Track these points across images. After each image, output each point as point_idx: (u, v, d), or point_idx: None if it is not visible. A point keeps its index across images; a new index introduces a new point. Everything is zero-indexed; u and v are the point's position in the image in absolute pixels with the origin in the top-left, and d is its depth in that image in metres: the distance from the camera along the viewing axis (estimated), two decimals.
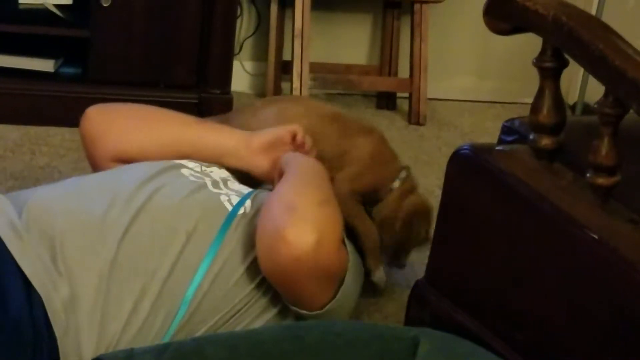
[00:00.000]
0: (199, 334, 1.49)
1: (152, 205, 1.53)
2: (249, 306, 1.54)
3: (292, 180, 1.60)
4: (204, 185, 1.63)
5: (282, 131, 1.75)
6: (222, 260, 1.52)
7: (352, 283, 1.60)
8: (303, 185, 1.58)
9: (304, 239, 1.43)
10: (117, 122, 1.81)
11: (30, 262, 1.40)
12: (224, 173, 1.74)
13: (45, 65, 2.76)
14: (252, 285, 1.54)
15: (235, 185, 1.70)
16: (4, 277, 1.37)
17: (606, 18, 3.05)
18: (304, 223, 1.45)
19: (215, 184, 1.65)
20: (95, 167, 1.82)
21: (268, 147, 1.74)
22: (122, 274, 1.44)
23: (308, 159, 1.70)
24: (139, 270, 1.46)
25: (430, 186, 2.60)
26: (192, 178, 1.65)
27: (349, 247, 1.60)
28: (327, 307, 1.53)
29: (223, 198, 1.61)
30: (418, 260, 2.13)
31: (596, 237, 1.27)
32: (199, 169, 1.71)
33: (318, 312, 1.53)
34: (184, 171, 1.67)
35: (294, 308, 1.55)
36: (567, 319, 1.33)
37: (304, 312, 1.54)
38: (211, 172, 1.71)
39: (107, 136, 1.78)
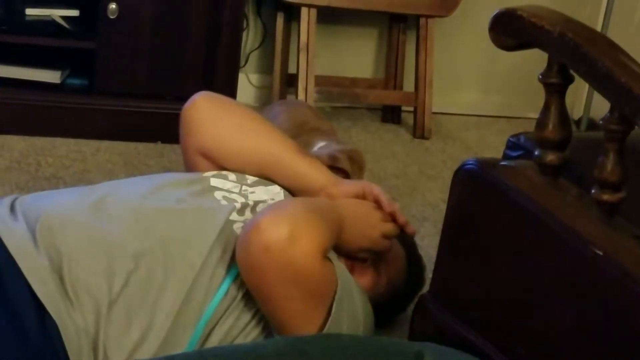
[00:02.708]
0: None
1: (168, 236, 1.48)
2: (245, 334, 1.50)
3: (296, 198, 1.59)
4: (229, 210, 1.55)
5: (368, 188, 1.69)
6: (231, 293, 1.49)
7: (347, 316, 1.48)
8: (303, 200, 1.56)
9: (277, 229, 1.38)
10: (220, 118, 1.73)
11: (43, 285, 1.37)
12: (266, 194, 1.65)
13: (52, 76, 2.77)
14: (252, 313, 1.50)
15: None
16: (19, 303, 1.35)
17: (612, 33, 3.05)
18: (281, 215, 1.42)
19: (242, 210, 1.57)
20: (186, 156, 1.78)
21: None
22: (128, 306, 1.41)
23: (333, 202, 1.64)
24: (147, 304, 1.42)
25: (435, 200, 2.60)
26: (223, 202, 1.58)
27: (343, 274, 1.52)
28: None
29: (237, 226, 1.53)
30: None
31: (601, 253, 1.27)
32: (237, 190, 1.63)
33: None
34: (217, 195, 1.60)
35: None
36: (572, 335, 1.32)
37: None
38: (252, 192, 1.64)
39: (205, 129, 1.72)
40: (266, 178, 1.68)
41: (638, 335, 1.22)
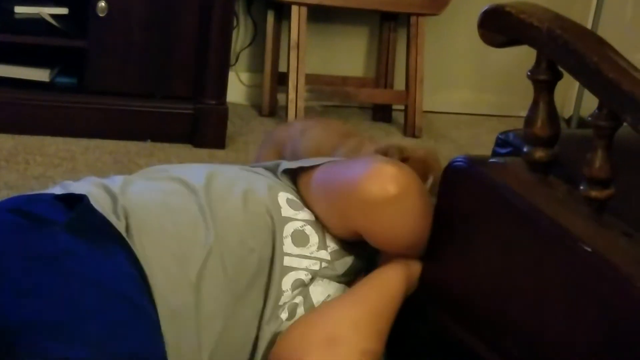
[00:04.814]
0: None
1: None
2: None
3: (362, 304, 1.45)
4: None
5: None
6: None
7: None
8: (368, 318, 1.42)
9: None
10: (423, 217, 1.48)
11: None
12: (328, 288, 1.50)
13: (41, 74, 2.76)
14: None
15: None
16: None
17: (602, 31, 3.05)
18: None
19: (293, 311, 1.46)
20: (330, 218, 1.52)
21: None
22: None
23: (393, 279, 1.50)
24: None
25: None
26: (287, 296, 1.45)
27: None
28: None
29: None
30: None
31: (590, 249, 1.26)
32: (310, 275, 1.47)
33: None
34: (286, 283, 1.45)
35: None
36: (563, 332, 1.32)
37: None
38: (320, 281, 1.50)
39: (407, 225, 1.46)
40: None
41: (628, 331, 1.22)
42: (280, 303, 1.43)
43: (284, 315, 1.43)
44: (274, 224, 1.45)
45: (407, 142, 1.85)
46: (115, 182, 1.46)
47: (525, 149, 1.41)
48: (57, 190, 1.43)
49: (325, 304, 1.46)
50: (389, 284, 1.49)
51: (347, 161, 1.59)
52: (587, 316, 1.28)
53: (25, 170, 2.47)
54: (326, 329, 1.38)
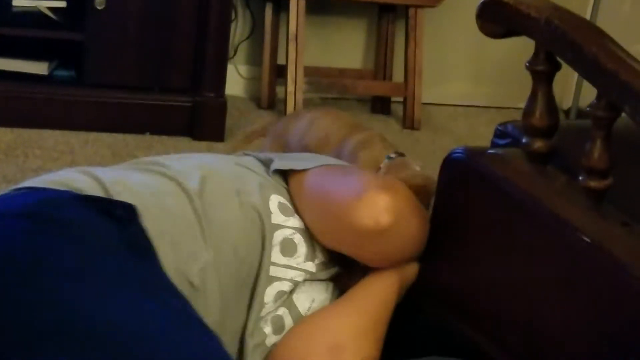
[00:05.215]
0: None
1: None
2: None
3: (362, 313, 1.43)
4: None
5: None
6: None
7: None
8: (368, 326, 1.41)
9: None
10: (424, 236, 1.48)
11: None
12: (315, 294, 1.48)
13: (40, 68, 2.76)
14: None
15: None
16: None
17: (601, 22, 3.05)
18: None
19: (281, 328, 1.43)
20: (338, 240, 1.46)
21: None
22: None
23: (389, 285, 1.48)
24: None
25: None
26: (270, 310, 1.42)
27: None
28: None
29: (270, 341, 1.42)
30: None
31: (589, 240, 1.26)
32: (293, 285, 1.43)
33: None
34: (269, 294, 1.41)
35: None
36: (562, 323, 1.32)
37: None
38: (303, 291, 1.46)
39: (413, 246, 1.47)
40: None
41: (626, 322, 1.22)
42: (262, 314, 1.40)
43: (267, 329, 1.41)
44: (264, 231, 1.41)
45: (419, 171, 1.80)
46: (106, 174, 1.38)
47: (523, 140, 1.41)
48: (48, 181, 1.35)
49: (323, 313, 1.44)
50: (386, 290, 1.48)
51: (341, 173, 1.52)
52: (585, 306, 1.28)
53: (24, 163, 2.47)
54: (329, 338, 1.37)
